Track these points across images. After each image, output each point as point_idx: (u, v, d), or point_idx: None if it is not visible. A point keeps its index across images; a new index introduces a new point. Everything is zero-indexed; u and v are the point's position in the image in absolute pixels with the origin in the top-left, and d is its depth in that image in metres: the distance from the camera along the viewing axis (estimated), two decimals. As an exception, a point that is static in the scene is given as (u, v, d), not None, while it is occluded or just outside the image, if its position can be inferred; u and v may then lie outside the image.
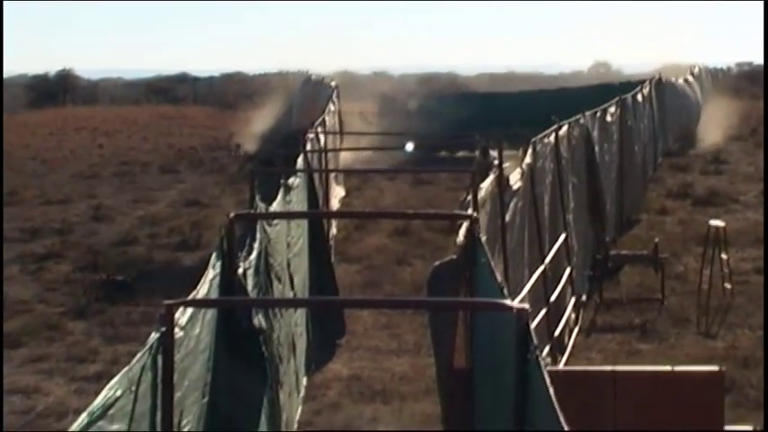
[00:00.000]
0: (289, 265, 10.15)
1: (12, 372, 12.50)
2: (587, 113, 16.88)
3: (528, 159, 11.96)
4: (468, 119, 31.91)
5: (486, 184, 10.10)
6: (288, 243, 10.27)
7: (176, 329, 5.07)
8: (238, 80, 70.50)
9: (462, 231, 7.49)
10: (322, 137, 19.83)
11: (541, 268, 12.12)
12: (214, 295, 6.25)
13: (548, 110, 16.62)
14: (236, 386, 6.63)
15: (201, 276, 6.12)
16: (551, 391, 4.15)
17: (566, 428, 3.88)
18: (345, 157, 24.95)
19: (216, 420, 6.14)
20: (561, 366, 11.45)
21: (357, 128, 30.24)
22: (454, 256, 7.52)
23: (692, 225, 20.39)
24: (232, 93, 60.83)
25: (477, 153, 20.64)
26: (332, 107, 27.02)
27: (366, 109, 38.33)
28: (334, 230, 18.81)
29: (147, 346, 4.75)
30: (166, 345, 4.87)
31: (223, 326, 6.44)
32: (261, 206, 9.59)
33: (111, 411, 4.17)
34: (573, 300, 14.00)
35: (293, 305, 10.32)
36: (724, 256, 15.18)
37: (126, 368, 4.45)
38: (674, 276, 16.28)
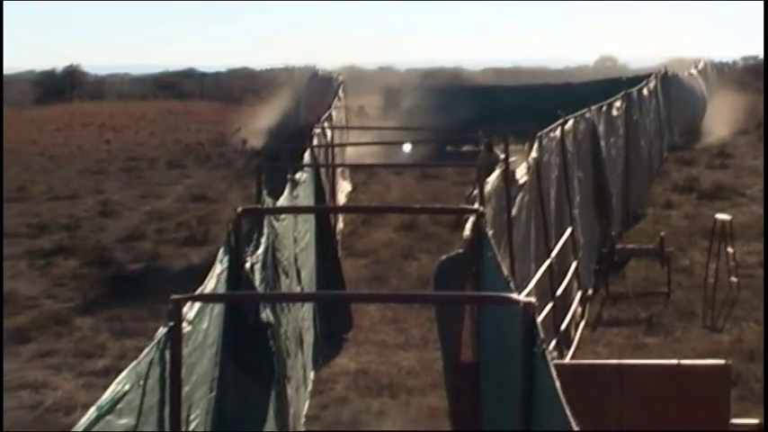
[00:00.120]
0: (296, 259, 10.18)
1: (20, 367, 12.55)
2: (593, 108, 16.88)
3: (534, 154, 11.97)
4: (474, 113, 31.92)
5: (492, 179, 10.12)
6: (295, 238, 10.29)
7: (184, 324, 5.09)
8: (245, 75, 70.59)
9: (469, 226, 7.51)
10: (329, 132, 19.84)
11: (548, 262, 12.13)
12: (222, 290, 6.27)
13: (559, 104, 16.61)
14: (243, 380, 6.66)
15: (209, 271, 6.15)
16: (558, 384, 4.17)
17: (572, 422, 3.90)
18: (352, 152, 24.97)
19: (224, 415, 6.17)
20: (568, 360, 11.47)
21: (355, 123, 30.24)
22: (461, 251, 7.54)
23: (697, 219, 20.39)
24: (238, 88, 60.86)
25: (481, 147, 20.63)
26: (338, 102, 27.03)
27: (372, 104, 38.36)
28: (340, 225, 18.83)
29: (155, 341, 4.77)
30: (174, 339, 4.90)
31: (231, 320, 6.47)
32: (268, 201, 9.61)
33: (119, 406, 4.19)
34: (579, 294, 14.01)
35: (300, 300, 10.35)
36: (730, 249, 15.18)
37: (134, 363, 4.47)
38: (679, 270, 16.28)
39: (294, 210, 10.67)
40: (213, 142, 38.58)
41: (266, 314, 7.03)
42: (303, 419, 10.26)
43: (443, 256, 7.77)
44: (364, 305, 14.32)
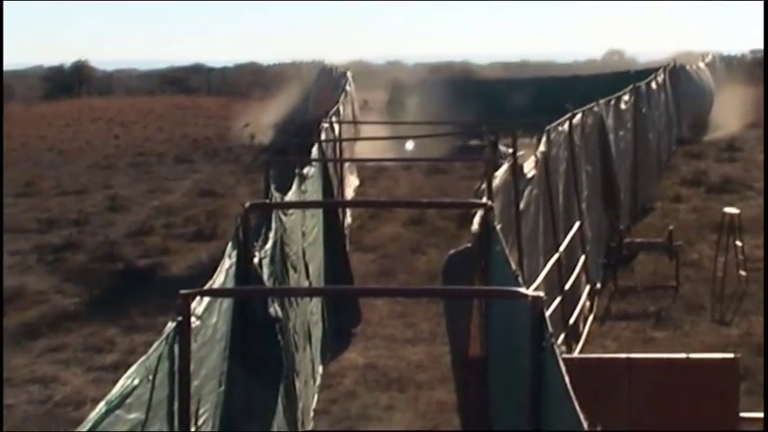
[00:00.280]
0: (304, 254, 10.18)
1: (30, 362, 12.59)
2: (601, 101, 16.86)
3: (542, 147, 11.96)
4: (481, 107, 31.87)
5: (500, 173, 10.11)
6: (303, 232, 10.30)
7: (193, 319, 5.10)
8: (252, 70, 70.55)
9: (477, 220, 7.51)
10: (336, 126, 19.85)
11: (556, 256, 12.13)
12: (230, 285, 6.28)
13: (570, 98, 16.60)
14: (252, 375, 6.67)
15: (217, 266, 6.16)
16: (566, 378, 4.17)
17: (581, 416, 3.91)
18: (361, 147, 24.96)
19: (232, 409, 6.19)
20: (576, 354, 11.46)
21: (359, 118, 30.21)
22: (469, 245, 7.54)
23: (706, 212, 20.36)
24: (246, 83, 60.87)
25: (485, 141, 20.57)
26: (346, 97, 27.03)
27: (379, 98, 38.33)
28: (348, 219, 18.83)
29: (164, 336, 4.78)
30: (183, 334, 4.90)
31: (239, 315, 6.48)
32: (276, 196, 9.62)
33: (128, 400, 4.20)
34: (588, 287, 14.00)
35: (309, 294, 10.36)
36: (738, 243, 15.15)
37: (143, 358, 4.48)
38: (688, 264, 16.26)
39: (302, 204, 10.68)
40: (220, 137, 38.61)
41: (274, 309, 7.04)
42: (312, 414, 10.28)
43: (452, 251, 7.77)
44: (372, 299, 14.32)
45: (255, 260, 7.05)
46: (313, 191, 11.99)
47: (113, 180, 28.53)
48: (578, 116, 14.53)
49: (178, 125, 45.13)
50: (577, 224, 13.75)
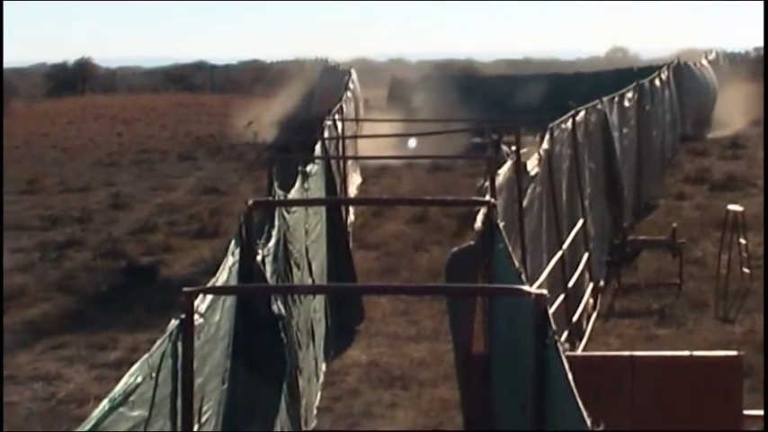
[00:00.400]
0: (307, 251, 10.18)
1: (33, 359, 12.60)
2: (605, 99, 16.86)
3: (545, 145, 11.96)
4: (483, 105, 31.86)
5: (503, 170, 10.10)
6: (306, 230, 10.30)
7: (196, 316, 5.10)
8: (255, 68, 70.57)
9: (480, 217, 7.51)
10: (339, 124, 19.84)
11: (559, 254, 12.12)
12: (233, 282, 6.28)
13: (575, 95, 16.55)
14: (255, 372, 6.67)
15: (220, 263, 6.16)
16: (570, 376, 4.17)
17: (584, 413, 3.90)
18: (364, 145, 24.95)
19: (236, 407, 6.19)
20: (579, 351, 11.45)
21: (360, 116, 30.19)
22: (472, 243, 7.54)
23: (709, 210, 20.35)
24: (249, 80, 60.90)
25: (487, 139, 20.55)
26: (349, 94, 27.03)
27: (382, 96, 38.31)
28: (351, 217, 18.84)
29: (167, 333, 4.78)
30: (186, 332, 4.91)
31: (242, 313, 6.48)
32: (279, 193, 9.62)
33: (131, 398, 4.20)
34: (591, 285, 14.00)
35: (312, 292, 10.36)
36: (742, 240, 15.15)
37: (146, 355, 4.48)
38: (692, 261, 16.25)
39: (305, 202, 10.68)
40: (222, 134, 38.61)
41: (278, 306, 7.04)
42: (315, 411, 10.28)
43: (455, 248, 7.77)
44: (375, 297, 14.32)
45: (258, 258, 7.05)
46: (316, 188, 11.99)
47: (116, 177, 28.54)
48: (581, 113, 14.52)
49: (181, 123, 45.15)
50: (581, 222, 13.75)
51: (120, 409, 4.09)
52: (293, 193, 10.09)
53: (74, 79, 64.48)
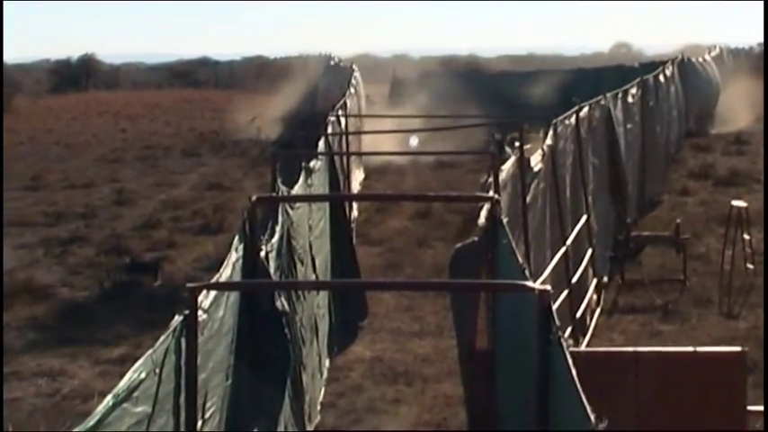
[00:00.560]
0: (311, 247, 10.18)
1: (37, 355, 12.61)
2: (608, 94, 16.84)
3: (549, 141, 11.95)
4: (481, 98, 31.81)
5: (507, 166, 10.10)
6: (309, 226, 10.30)
7: (200, 312, 5.10)
8: (259, 64, 70.55)
9: (484, 213, 7.51)
10: (343, 120, 19.84)
11: (563, 249, 12.12)
12: (237, 278, 6.29)
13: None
14: (259, 368, 6.67)
15: (224, 259, 6.16)
16: (573, 371, 4.17)
17: (588, 409, 3.90)
18: (367, 141, 24.95)
19: (239, 402, 6.19)
20: (583, 347, 11.45)
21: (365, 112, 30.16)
22: (476, 238, 7.53)
23: (713, 205, 20.33)
24: (252, 76, 60.90)
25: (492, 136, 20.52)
26: (353, 90, 27.02)
27: (385, 92, 38.28)
28: (355, 213, 18.83)
29: (171, 329, 4.78)
30: (190, 328, 4.91)
31: (246, 309, 6.48)
32: (282, 189, 9.62)
33: (135, 394, 4.21)
34: (594, 281, 13.99)
35: (315, 288, 10.36)
36: (746, 236, 15.13)
37: (150, 351, 4.49)
38: (695, 257, 16.24)
39: (309, 198, 10.68)
40: (225, 130, 38.62)
41: (281, 302, 7.04)
42: (319, 407, 10.28)
43: (459, 244, 7.77)
44: (379, 293, 14.32)
45: (262, 254, 7.05)
46: (319, 184, 11.99)
47: (120, 173, 28.56)
48: (585, 109, 14.51)
49: (185, 119, 45.15)
50: (584, 217, 13.74)
51: (124, 405, 4.09)
52: (297, 189, 10.09)
53: (77, 75, 64.51)
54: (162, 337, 4.68)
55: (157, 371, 4.49)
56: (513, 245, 6.66)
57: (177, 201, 23.56)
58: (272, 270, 7.32)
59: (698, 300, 14.28)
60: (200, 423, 5.16)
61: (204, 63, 74.80)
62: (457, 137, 24.76)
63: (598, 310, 13.77)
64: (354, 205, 18.72)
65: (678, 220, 16.39)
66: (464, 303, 7.56)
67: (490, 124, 21.45)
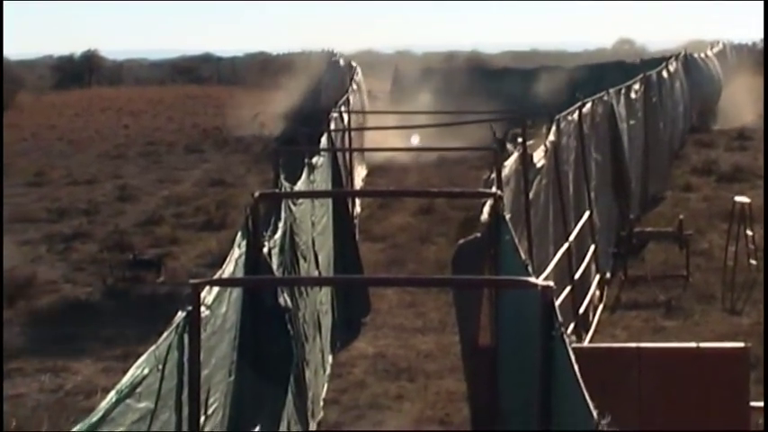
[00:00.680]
0: (313, 243, 10.18)
1: (40, 351, 12.62)
2: (611, 90, 16.83)
3: (552, 137, 11.94)
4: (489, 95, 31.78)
5: (509, 162, 10.09)
6: (312, 222, 10.30)
7: (203, 308, 5.10)
8: (262, 60, 70.53)
9: (486, 209, 7.50)
10: (345, 116, 19.83)
11: (566, 245, 12.12)
12: (240, 274, 6.29)
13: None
14: (262, 365, 6.68)
15: (227, 256, 6.16)
16: (576, 367, 4.17)
17: (591, 405, 3.90)
18: (370, 137, 24.93)
19: (242, 398, 6.19)
20: (586, 343, 11.45)
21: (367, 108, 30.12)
22: (479, 234, 7.53)
23: (716, 201, 20.32)
24: (255, 72, 60.87)
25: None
26: (355, 86, 27.01)
27: (387, 88, 38.25)
28: (358, 209, 18.83)
29: (174, 326, 4.78)
30: (193, 324, 4.91)
31: (249, 305, 6.48)
32: (285, 185, 9.62)
33: (138, 389, 4.21)
34: (597, 277, 13.99)
35: (318, 284, 10.36)
36: (749, 232, 15.12)
37: (153, 347, 4.49)
38: (698, 253, 16.23)
39: (311, 194, 10.68)
40: (228, 127, 38.62)
41: (284, 298, 7.04)
42: (322, 403, 10.29)
43: (461, 240, 7.76)
44: (382, 289, 14.32)
45: (265, 250, 7.05)
46: (322, 180, 11.99)
47: (123, 170, 28.57)
48: (588, 105, 14.51)
49: (188, 115, 45.16)
50: (587, 213, 13.73)
51: (127, 401, 4.10)
52: (299, 185, 10.09)
53: (80, 71, 64.51)
54: (165, 334, 4.69)
55: (160, 367, 4.49)
56: (516, 241, 6.65)
57: (180, 197, 23.57)
58: (274, 266, 7.32)
59: (701, 296, 14.27)
60: (202, 419, 5.17)
61: (207, 59, 74.81)
62: (459, 133, 24.77)
63: (601, 306, 13.77)
64: (357, 201, 18.71)
65: (681, 216, 16.38)
66: (467, 299, 7.56)
67: (493, 121, 21.35)
